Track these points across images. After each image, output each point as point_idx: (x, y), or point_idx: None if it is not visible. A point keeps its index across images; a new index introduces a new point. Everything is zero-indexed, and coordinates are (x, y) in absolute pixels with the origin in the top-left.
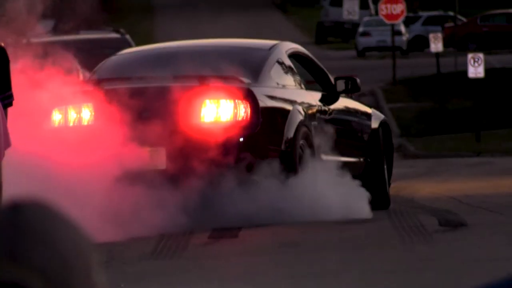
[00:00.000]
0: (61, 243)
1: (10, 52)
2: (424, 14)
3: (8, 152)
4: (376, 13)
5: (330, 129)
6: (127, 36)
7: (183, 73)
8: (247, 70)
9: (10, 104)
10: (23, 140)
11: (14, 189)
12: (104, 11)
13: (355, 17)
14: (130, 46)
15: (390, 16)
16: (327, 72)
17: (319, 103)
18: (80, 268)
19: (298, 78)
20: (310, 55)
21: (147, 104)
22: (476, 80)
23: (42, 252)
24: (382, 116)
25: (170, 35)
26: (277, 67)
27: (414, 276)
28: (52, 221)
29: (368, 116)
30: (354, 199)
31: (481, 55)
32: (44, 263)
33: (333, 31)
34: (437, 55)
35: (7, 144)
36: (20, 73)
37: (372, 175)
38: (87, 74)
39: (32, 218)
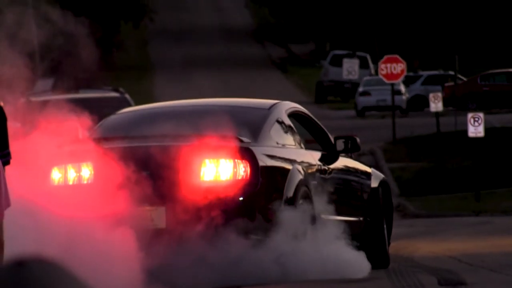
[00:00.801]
0: None
1: (9, 110)
2: (424, 73)
3: (9, 210)
4: (376, 72)
5: (329, 188)
6: (127, 95)
7: (182, 132)
8: (247, 129)
9: (8, 163)
10: (22, 198)
11: (16, 247)
12: (104, 69)
13: (355, 76)
14: (129, 105)
15: (390, 76)
16: (326, 131)
17: (318, 163)
18: None
19: (297, 137)
20: (310, 114)
21: (146, 163)
22: (476, 140)
23: None
24: (381, 176)
25: (170, 94)
26: (276, 127)
27: None
28: (57, 277)
29: (367, 175)
30: (353, 258)
31: (481, 115)
32: None
33: (332, 90)
34: (437, 114)
35: (7, 203)
36: (19, 131)
37: (371, 234)
38: (87, 133)
39: (37, 275)
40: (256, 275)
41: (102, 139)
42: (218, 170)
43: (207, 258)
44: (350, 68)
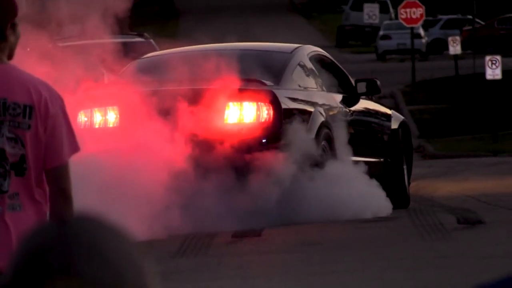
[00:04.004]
0: (113, 254)
1: (36, 55)
2: (443, 17)
3: None
4: (396, 16)
5: (350, 130)
6: (152, 40)
7: (206, 76)
8: (270, 73)
9: None
10: None
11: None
12: (129, 15)
13: (376, 20)
14: (154, 50)
15: (409, 20)
16: (348, 74)
17: (340, 105)
18: (133, 278)
19: (319, 80)
20: (331, 58)
21: (171, 107)
22: (494, 82)
23: (94, 264)
24: (401, 117)
25: (193, 39)
26: (299, 70)
27: (433, 273)
28: (102, 233)
29: (388, 117)
30: (374, 198)
31: (498, 58)
32: (96, 275)
33: (353, 34)
34: (456, 57)
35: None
36: (46, 76)
37: (392, 174)
38: (112, 77)
39: (82, 231)
40: (279, 216)
41: (127, 84)
42: (241, 113)
43: (231, 200)
44: (370, 13)
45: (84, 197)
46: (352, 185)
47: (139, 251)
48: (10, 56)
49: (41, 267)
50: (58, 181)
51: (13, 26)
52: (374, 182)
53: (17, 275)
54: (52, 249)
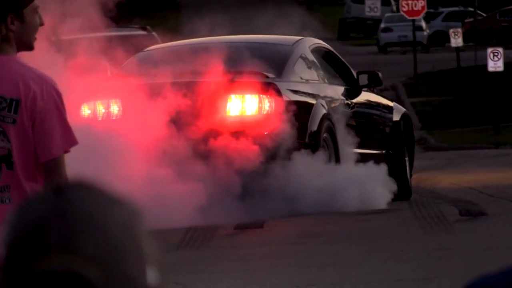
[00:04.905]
0: (113, 227)
1: (40, 48)
2: (445, 10)
3: None
4: (398, 9)
5: (352, 122)
6: (154, 33)
7: (209, 68)
8: (271, 65)
9: None
10: None
11: None
12: (131, 8)
13: (377, 13)
14: (156, 42)
15: (411, 12)
16: (349, 67)
17: (342, 97)
18: (131, 247)
19: (321, 72)
20: (333, 50)
21: (173, 99)
22: (496, 74)
23: (93, 239)
24: (403, 109)
25: (195, 32)
26: (300, 62)
27: (434, 265)
28: (101, 203)
29: (389, 109)
30: (376, 190)
31: (500, 50)
32: (96, 251)
33: (355, 27)
34: (458, 49)
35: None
36: (50, 69)
37: (393, 166)
38: (115, 70)
39: (80, 202)
40: (281, 208)
41: (130, 76)
42: (243, 105)
43: (233, 193)
44: (372, 5)
45: None
46: (353, 177)
47: (139, 220)
48: (26, 46)
49: (38, 243)
50: (51, 175)
51: (19, 17)
52: (376, 174)
53: (11, 252)
54: (49, 223)
